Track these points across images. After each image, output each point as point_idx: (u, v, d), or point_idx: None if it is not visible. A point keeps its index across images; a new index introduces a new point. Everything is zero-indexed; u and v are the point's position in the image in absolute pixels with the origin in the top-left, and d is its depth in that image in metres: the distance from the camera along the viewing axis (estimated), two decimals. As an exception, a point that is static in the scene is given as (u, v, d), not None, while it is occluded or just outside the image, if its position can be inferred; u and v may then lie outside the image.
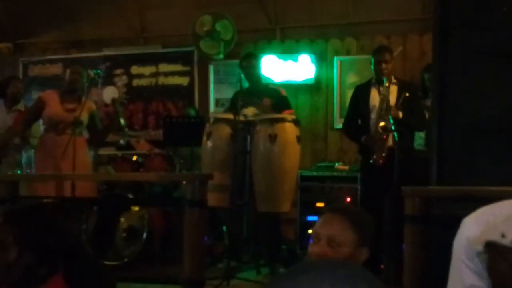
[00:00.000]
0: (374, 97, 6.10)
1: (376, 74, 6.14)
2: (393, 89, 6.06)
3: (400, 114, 5.88)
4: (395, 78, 6.20)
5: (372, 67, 6.18)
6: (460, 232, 2.20)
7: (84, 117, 6.28)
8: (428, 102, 6.39)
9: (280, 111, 6.00)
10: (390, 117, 5.81)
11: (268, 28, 8.31)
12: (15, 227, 2.48)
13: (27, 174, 5.10)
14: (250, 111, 6.03)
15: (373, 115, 6.06)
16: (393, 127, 5.75)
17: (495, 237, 2.03)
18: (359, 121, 6.27)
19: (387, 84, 5.99)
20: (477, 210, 2.23)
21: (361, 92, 6.30)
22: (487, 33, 4.21)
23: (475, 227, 2.13)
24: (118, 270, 6.06)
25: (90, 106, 6.47)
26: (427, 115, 6.17)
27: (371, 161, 5.93)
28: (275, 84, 7.26)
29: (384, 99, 5.96)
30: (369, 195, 6.18)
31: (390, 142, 5.88)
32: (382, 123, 5.85)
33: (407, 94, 5.94)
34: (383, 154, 5.86)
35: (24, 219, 2.52)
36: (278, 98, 6.33)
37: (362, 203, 6.49)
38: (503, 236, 2.03)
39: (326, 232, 2.50)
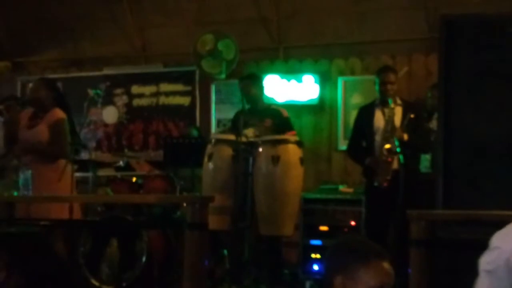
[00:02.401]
0: (379, 119, 6.03)
1: (381, 95, 6.08)
2: (398, 110, 5.99)
3: (406, 137, 5.80)
4: (400, 99, 6.13)
5: (377, 87, 6.11)
6: (494, 247, 2.27)
7: (43, 132, 5.88)
8: (432, 124, 6.33)
9: (281, 133, 5.92)
10: (395, 139, 5.73)
11: (271, 47, 8.25)
12: (5, 250, 2.44)
13: (24, 196, 5.01)
14: (250, 132, 5.97)
15: (377, 137, 5.99)
16: (398, 149, 5.67)
17: None
18: (364, 143, 6.19)
19: (392, 106, 5.91)
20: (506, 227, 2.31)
21: (365, 114, 6.22)
22: (493, 54, 4.17)
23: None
24: (117, 294, 5.96)
25: (51, 118, 5.96)
26: (431, 137, 6.10)
27: (376, 184, 5.84)
28: (277, 105, 7.16)
29: (389, 121, 5.88)
30: (373, 218, 6.12)
31: (395, 164, 5.80)
32: (387, 146, 5.78)
33: (412, 116, 5.87)
34: (388, 177, 5.78)
35: (14, 244, 2.49)
36: (280, 119, 6.26)
37: (366, 227, 6.42)
38: None
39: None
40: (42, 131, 5.87)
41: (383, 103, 6.04)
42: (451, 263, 3.95)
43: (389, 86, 6.00)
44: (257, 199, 5.57)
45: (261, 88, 6.52)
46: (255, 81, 6.47)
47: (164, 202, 6.50)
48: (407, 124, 5.86)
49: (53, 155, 5.88)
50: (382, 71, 6.16)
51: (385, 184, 5.80)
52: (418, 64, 7.54)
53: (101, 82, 8.71)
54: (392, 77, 6.05)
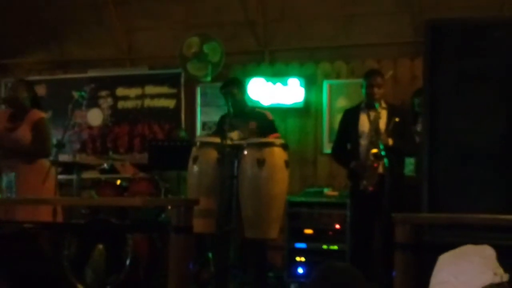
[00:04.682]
0: (363, 122, 6.03)
1: (367, 98, 6.08)
2: (383, 114, 6.00)
3: (391, 141, 5.80)
4: (385, 102, 6.14)
5: (363, 90, 6.11)
6: (435, 272, 2.18)
7: (25, 133, 5.89)
8: (418, 127, 6.33)
9: (265, 135, 5.89)
10: (380, 142, 5.73)
11: (257, 50, 8.25)
12: None
13: (7, 198, 4.96)
14: (234, 135, 5.95)
15: (362, 141, 5.98)
16: (383, 153, 5.67)
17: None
18: (348, 146, 6.19)
19: (379, 110, 5.92)
20: (453, 252, 2.21)
21: (350, 117, 6.22)
22: (479, 58, 4.17)
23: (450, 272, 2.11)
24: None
25: (32, 117, 5.98)
26: (417, 140, 6.10)
27: (361, 188, 5.84)
28: (262, 108, 7.15)
29: (374, 124, 5.88)
30: (358, 221, 6.11)
31: (380, 168, 5.79)
32: (374, 150, 5.77)
33: (397, 119, 5.87)
34: (374, 182, 5.78)
35: (2, 246, 2.44)
36: (264, 121, 6.23)
37: (351, 230, 6.42)
38: (495, 274, 2.03)
39: None
40: (24, 132, 5.85)
41: (369, 107, 6.04)
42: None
43: (375, 89, 6.01)
44: (243, 202, 5.55)
45: (244, 91, 6.50)
46: (238, 85, 6.43)
47: (149, 205, 6.46)
48: (392, 128, 5.87)
49: (36, 154, 5.86)
50: (370, 74, 6.17)
51: (370, 189, 5.80)
52: (404, 68, 7.56)
53: (86, 84, 8.65)
54: (379, 80, 6.06)
